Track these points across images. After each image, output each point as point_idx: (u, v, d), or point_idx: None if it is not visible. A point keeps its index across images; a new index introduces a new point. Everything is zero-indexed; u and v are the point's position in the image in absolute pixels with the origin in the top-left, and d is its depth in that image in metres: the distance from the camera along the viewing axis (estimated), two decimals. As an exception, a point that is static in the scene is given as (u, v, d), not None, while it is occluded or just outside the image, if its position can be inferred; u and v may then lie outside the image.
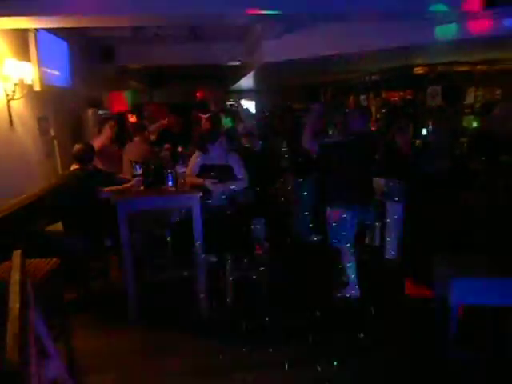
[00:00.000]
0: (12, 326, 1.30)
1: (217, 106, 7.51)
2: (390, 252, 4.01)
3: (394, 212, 3.84)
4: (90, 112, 5.64)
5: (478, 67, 7.37)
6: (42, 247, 3.44)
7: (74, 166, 3.67)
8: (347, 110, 5.09)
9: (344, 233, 3.51)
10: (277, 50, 5.60)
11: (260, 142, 5.43)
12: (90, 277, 3.73)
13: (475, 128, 6.77)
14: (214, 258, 4.07)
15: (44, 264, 2.80)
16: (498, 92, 7.39)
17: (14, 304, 1.45)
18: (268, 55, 5.72)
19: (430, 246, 3.56)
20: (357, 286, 3.61)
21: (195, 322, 3.41)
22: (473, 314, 2.60)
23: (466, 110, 7.47)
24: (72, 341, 2.97)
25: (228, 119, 5.01)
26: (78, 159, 3.63)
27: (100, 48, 6.45)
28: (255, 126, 5.67)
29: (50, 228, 3.74)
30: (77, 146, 3.67)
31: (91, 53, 6.33)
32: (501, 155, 3.21)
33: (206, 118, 4.61)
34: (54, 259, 2.87)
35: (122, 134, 5.59)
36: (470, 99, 7.48)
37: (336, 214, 3.50)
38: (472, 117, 7.22)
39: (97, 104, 6.15)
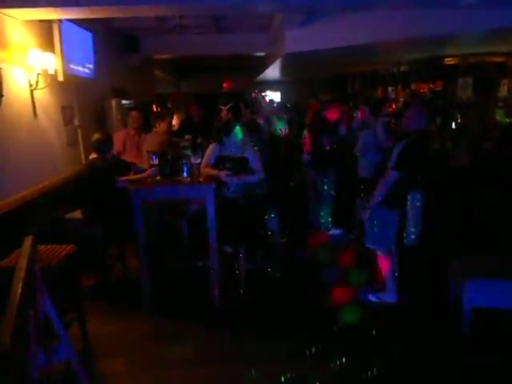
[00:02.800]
0: (9, 311, 1.34)
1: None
2: (411, 237, 3.88)
3: (414, 200, 3.67)
4: (113, 102, 5.74)
5: (514, 58, 7.01)
6: (61, 234, 3.56)
7: (92, 156, 3.75)
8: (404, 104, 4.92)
9: (386, 234, 3.32)
10: (299, 40, 5.50)
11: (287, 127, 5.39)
12: (107, 264, 3.81)
13: (508, 122, 6.47)
14: (229, 249, 4.10)
15: (60, 250, 2.88)
16: (534, 85, 7.00)
17: (16, 290, 1.49)
18: (290, 45, 5.62)
19: (448, 241, 3.45)
20: (393, 293, 3.43)
21: (208, 312, 3.45)
22: (487, 316, 2.51)
23: (498, 104, 7.13)
24: (87, 325, 3.06)
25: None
26: (95, 148, 3.70)
27: (124, 38, 6.53)
28: (284, 110, 5.63)
29: (70, 215, 3.84)
30: (95, 136, 3.74)
31: (115, 43, 6.41)
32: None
33: (226, 109, 4.58)
34: (70, 245, 2.95)
35: (147, 124, 5.67)
36: (503, 92, 7.12)
37: (394, 217, 3.31)
38: (504, 110, 6.88)
39: (121, 94, 6.24)
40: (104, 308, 3.56)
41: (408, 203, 3.66)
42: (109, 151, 3.77)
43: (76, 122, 4.87)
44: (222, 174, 3.57)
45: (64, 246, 2.94)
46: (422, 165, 3.26)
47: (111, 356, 2.91)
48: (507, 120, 6.51)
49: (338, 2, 4.05)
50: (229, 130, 3.65)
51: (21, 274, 1.64)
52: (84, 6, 3.62)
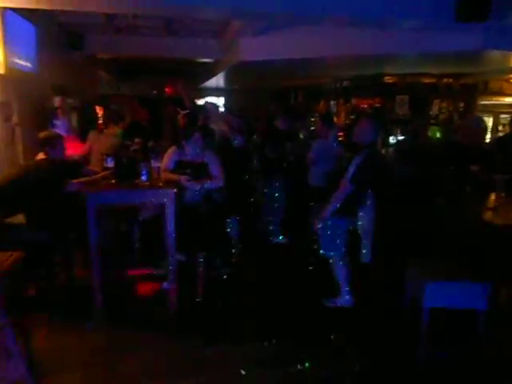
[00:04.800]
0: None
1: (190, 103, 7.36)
2: (367, 256, 4.02)
3: (365, 214, 3.83)
4: (56, 100, 5.38)
5: (444, 80, 7.72)
6: (2, 240, 3.23)
7: (40, 156, 3.47)
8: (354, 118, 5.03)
9: (338, 241, 3.45)
10: (254, 49, 5.58)
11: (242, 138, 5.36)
12: (53, 272, 3.53)
13: (438, 138, 7.05)
14: (182, 258, 3.98)
15: (5, 258, 2.61)
16: (462, 105, 7.76)
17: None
18: (244, 54, 5.68)
19: (400, 249, 3.65)
20: (348, 296, 3.56)
21: (163, 322, 3.32)
22: (443, 316, 2.69)
23: (431, 121, 7.79)
24: (31, 340, 2.80)
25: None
26: (43, 147, 3.44)
27: (68, 35, 6.17)
28: (240, 122, 5.59)
29: (12, 220, 3.50)
30: (42, 134, 3.47)
31: (60, 39, 6.04)
32: (470, 165, 3.34)
33: (183, 114, 4.51)
34: (17, 252, 2.69)
35: (89, 125, 5.39)
36: (435, 110, 7.81)
37: (344, 223, 3.44)
38: (436, 127, 7.52)
39: (63, 92, 5.87)
40: (49, 320, 3.28)
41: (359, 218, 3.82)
42: (58, 151, 3.50)
43: (14, 120, 4.49)
44: (183, 179, 3.48)
45: (10, 253, 2.67)
46: (374, 178, 3.42)
47: (62, 372, 2.69)
48: (438, 136, 7.10)
49: (286, 13, 4.16)
50: (189, 135, 3.58)
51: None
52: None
